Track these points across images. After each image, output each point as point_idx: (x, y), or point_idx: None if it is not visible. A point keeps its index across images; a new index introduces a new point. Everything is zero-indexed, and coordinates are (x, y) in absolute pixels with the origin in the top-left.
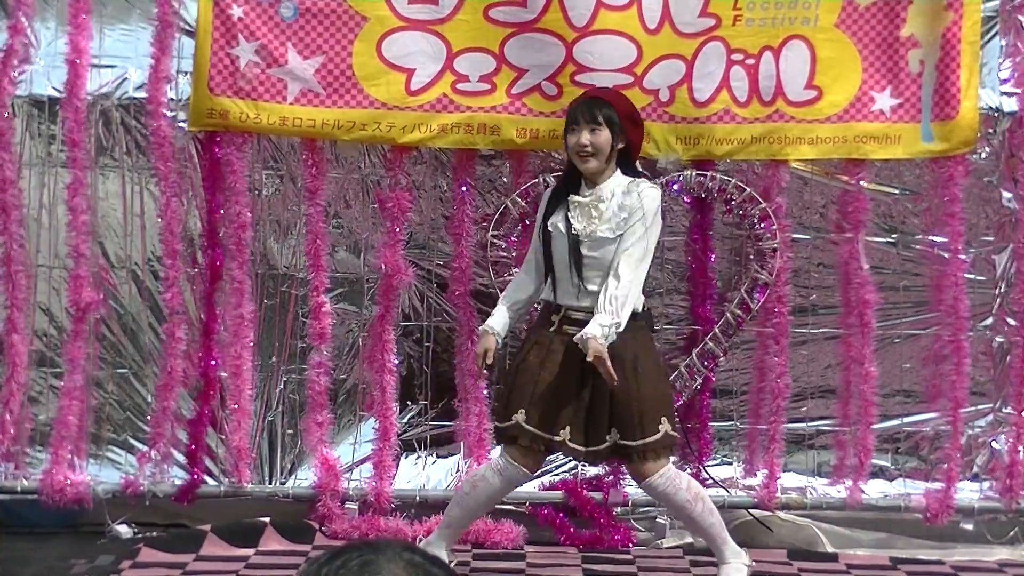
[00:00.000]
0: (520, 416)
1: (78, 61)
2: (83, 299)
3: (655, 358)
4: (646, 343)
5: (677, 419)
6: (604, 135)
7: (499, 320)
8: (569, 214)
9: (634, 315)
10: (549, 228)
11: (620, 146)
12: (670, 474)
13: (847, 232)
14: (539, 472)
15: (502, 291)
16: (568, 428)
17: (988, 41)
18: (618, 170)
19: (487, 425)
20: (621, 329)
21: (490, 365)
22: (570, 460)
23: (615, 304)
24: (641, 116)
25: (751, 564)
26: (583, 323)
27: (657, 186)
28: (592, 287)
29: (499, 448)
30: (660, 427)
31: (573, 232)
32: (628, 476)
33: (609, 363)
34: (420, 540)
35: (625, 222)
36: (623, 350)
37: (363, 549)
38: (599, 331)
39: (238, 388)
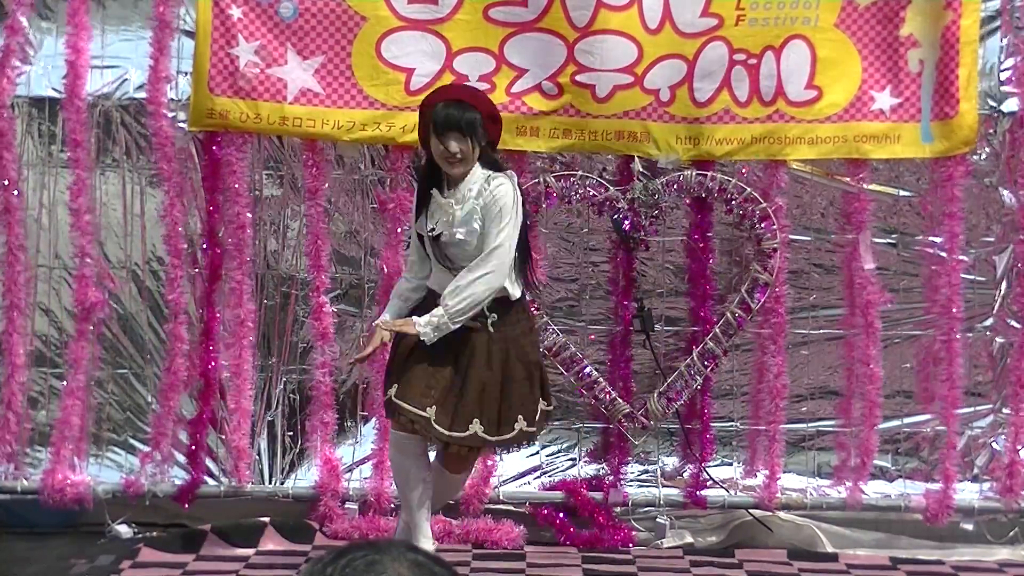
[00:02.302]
0: (392, 391)
1: (77, 61)
2: (88, 299)
3: (528, 349)
4: (525, 331)
5: (543, 409)
6: (471, 141)
7: (392, 313)
8: (429, 216)
9: (510, 303)
10: (418, 231)
11: (482, 145)
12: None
13: (849, 233)
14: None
15: None
16: (395, 387)
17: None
18: (478, 164)
19: None
20: (454, 327)
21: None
22: (569, 460)
23: (454, 299)
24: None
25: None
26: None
27: (509, 177)
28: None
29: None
30: (516, 425)
31: (432, 233)
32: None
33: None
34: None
35: (482, 224)
36: (498, 340)
37: (367, 549)
38: (426, 323)
39: (238, 388)
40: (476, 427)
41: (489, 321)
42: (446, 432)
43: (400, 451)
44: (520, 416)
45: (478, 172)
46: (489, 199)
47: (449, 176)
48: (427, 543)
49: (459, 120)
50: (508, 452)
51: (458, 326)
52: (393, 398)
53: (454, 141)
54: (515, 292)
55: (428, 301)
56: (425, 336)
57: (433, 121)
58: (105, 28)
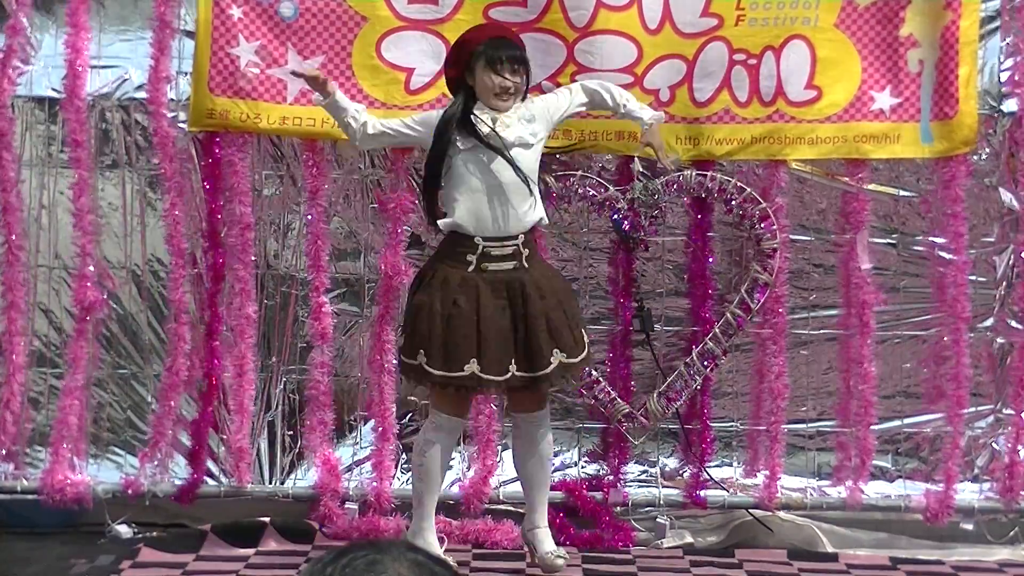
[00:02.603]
0: (422, 358)
1: (77, 61)
2: (87, 299)
3: (554, 271)
4: (543, 260)
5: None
6: (522, 77)
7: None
8: (495, 127)
9: (535, 235)
10: (465, 153)
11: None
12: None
13: (848, 233)
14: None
15: None
16: (479, 363)
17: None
18: None
19: (496, 426)
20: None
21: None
22: (570, 460)
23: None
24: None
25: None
26: (505, 258)
27: None
28: (523, 207)
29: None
30: (585, 341)
31: (507, 142)
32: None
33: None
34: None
35: (545, 112)
36: (535, 274)
37: (368, 549)
38: (652, 114)
39: (240, 388)
40: (559, 357)
41: (524, 256)
42: (533, 375)
43: (446, 433)
44: (583, 331)
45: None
46: (539, 101)
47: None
48: (432, 535)
49: (515, 55)
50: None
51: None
52: (481, 375)
53: (508, 74)
54: (545, 215)
55: (456, 243)
56: (656, 118)
57: (486, 57)
58: (105, 28)
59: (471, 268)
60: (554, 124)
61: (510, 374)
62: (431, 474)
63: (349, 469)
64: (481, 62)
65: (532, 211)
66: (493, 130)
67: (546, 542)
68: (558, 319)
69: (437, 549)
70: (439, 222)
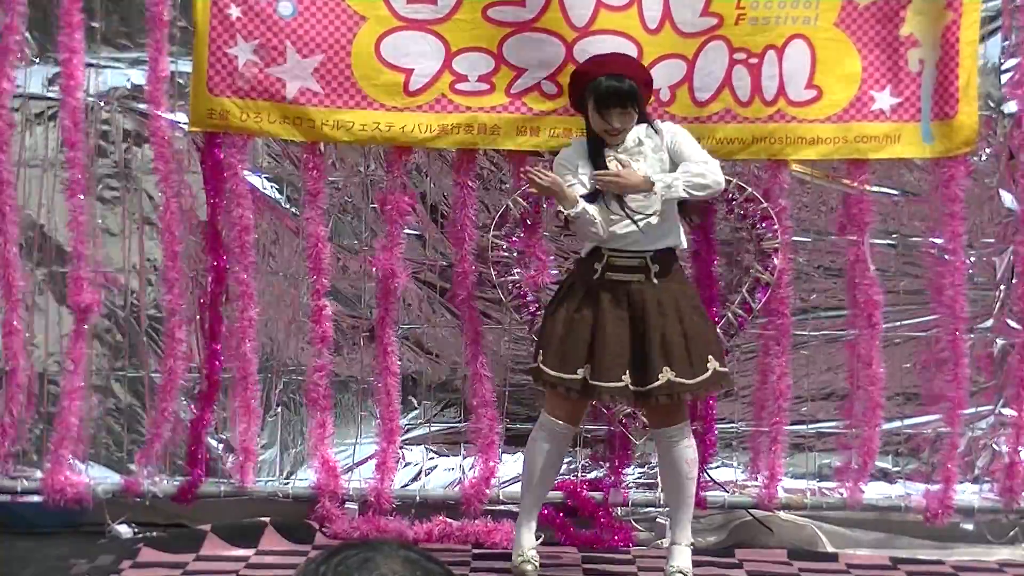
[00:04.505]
0: (540, 358)
1: (72, 61)
2: (83, 299)
3: (695, 299)
4: (685, 284)
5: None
6: (632, 115)
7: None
8: (609, 165)
9: (672, 255)
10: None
11: (640, 112)
12: (689, 426)
13: (851, 234)
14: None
15: (504, 292)
16: (592, 369)
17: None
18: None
19: (498, 428)
20: (682, 193)
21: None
22: (569, 460)
23: (694, 167)
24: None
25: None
26: (629, 268)
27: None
28: (651, 232)
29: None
30: (708, 366)
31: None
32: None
33: (615, 179)
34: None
35: (672, 151)
36: (664, 291)
37: (361, 547)
38: (660, 179)
39: (244, 390)
40: (668, 375)
41: (652, 272)
42: (642, 389)
43: (550, 437)
44: (710, 356)
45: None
46: (670, 137)
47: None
48: (530, 536)
49: (620, 94)
50: (709, 397)
51: (684, 195)
52: (589, 380)
53: (616, 116)
54: (682, 241)
55: (590, 256)
56: (661, 188)
57: (595, 96)
58: (104, 28)
59: (596, 276)
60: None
61: (623, 384)
62: (532, 475)
63: (349, 470)
64: (591, 100)
65: (667, 237)
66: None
67: (675, 558)
68: (673, 337)
69: (528, 546)
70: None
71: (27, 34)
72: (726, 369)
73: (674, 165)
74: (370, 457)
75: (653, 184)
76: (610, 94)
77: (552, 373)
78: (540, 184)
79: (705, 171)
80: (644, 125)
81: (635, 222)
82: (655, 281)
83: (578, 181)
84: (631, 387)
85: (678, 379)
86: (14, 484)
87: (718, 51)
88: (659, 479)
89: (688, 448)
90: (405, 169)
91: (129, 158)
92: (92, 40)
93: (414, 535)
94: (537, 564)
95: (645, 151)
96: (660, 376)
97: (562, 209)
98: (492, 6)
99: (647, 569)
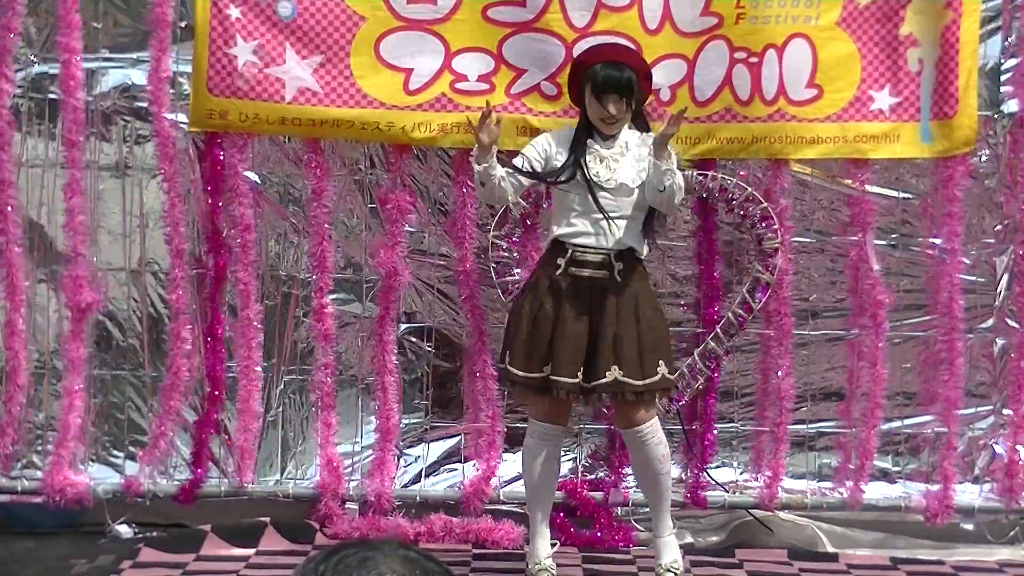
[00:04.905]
0: (508, 360)
1: (71, 61)
2: (83, 299)
3: (655, 302)
4: (647, 287)
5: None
6: (627, 102)
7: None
8: (588, 160)
9: (636, 259)
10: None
11: (637, 104)
12: (658, 423)
13: (853, 235)
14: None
15: (504, 292)
16: (551, 365)
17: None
18: (625, 126)
19: (499, 427)
20: (670, 178)
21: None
22: (570, 460)
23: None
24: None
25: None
26: (593, 264)
27: None
28: (617, 233)
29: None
30: (658, 370)
31: (596, 178)
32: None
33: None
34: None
35: (645, 170)
36: (625, 292)
37: (360, 546)
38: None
39: (245, 389)
40: (615, 373)
41: (616, 269)
42: (587, 385)
43: (541, 438)
44: (661, 361)
45: (627, 131)
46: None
47: (602, 132)
48: (544, 544)
49: (618, 82)
50: (656, 402)
51: (670, 181)
52: (551, 376)
53: (612, 103)
54: (643, 249)
55: (553, 251)
56: (669, 170)
57: (592, 83)
58: (104, 28)
59: (559, 271)
60: None
61: (577, 380)
62: (532, 483)
63: (351, 470)
64: (588, 86)
65: (628, 238)
66: (591, 176)
67: (664, 553)
68: (626, 338)
69: (544, 555)
70: (544, 242)
71: (27, 34)
72: (672, 377)
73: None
74: (370, 457)
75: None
76: (608, 81)
77: (519, 373)
78: (476, 130)
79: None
80: (638, 134)
81: (606, 216)
82: (618, 279)
83: (530, 158)
84: (581, 383)
85: (624, 378)
86: (14, 484)
87: (718, 51)
88: (634, 477)
89: (658, 446)
90: (405, 169)
91: (129, 158)
92: (92, 40)
93: (414, 535)
94: (554, 572)
95: (628, 155)
96: (607, 374)
97: (473, 158)
98: (492, 6)
99: (647, 569)
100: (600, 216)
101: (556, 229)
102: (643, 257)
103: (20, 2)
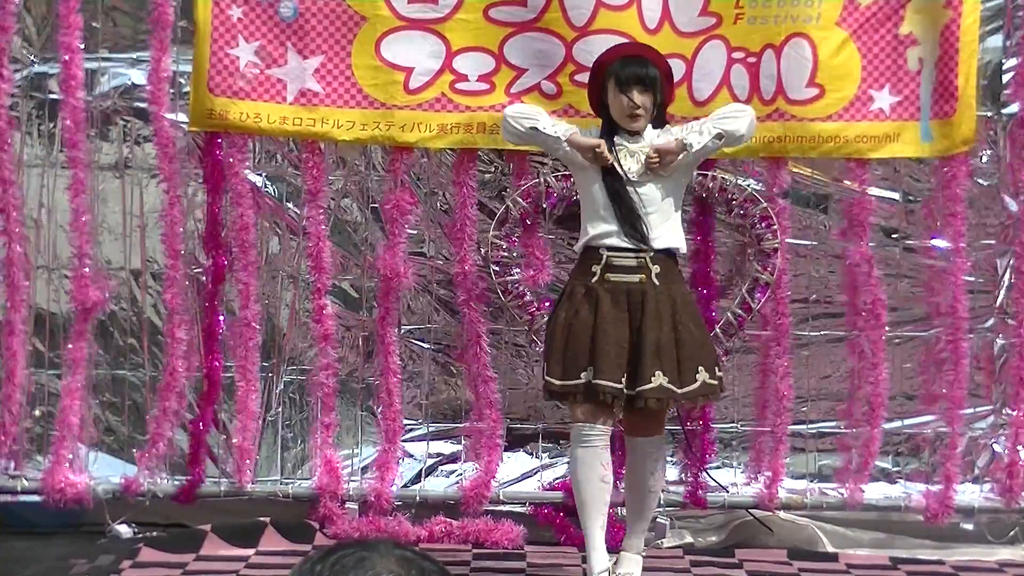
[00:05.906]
0: (545, 371)
1: (72, 61)
2: (88, 299)
3: (693, 307)
4: (684, 289)
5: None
6: (652, 95)
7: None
8: (619, 156)
9: (673, 259)
10: (601, 179)
11: (661, 101)
12: (665, 441)
13: (853, 235)
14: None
15: (504, 292)
16: (592, 370)
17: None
18: (649, 124)
19: (500, 429)
20: (713, 135)
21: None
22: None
23: (725, 110)
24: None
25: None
26: (629, 269)
27: None
28: (652, 232)
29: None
30: (697, 376)
31: (629, 175)
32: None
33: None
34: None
35: (689, 131)
36: (664, 295)
37: (357, 546)
38: (688, 134)
39: (244, 389)
40: (660, 379)
41: (653, 273)
42: (631, 391)
43: (589, 446)
44: (700, 367)
45: (650, 131)
46: (678, 131)
47: (626, 131)
48: (601, 557)
49: (643, 75)
50: (695, 408)
51: (715, 141)
52: (593, 381)
53: (637, 94)
54: (682, 245)
55: (587, 258)
56: (694, 140)
57: (615, 77)
58: (104, 28)
59: (594, 279)
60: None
61: (621, 386)
62: (582, 492)
63: (351, 470)
64: (611, 82)
65: (666, 236)
66: (621, 167)
67: (623, 563)
68: (667, 344)
69: (600, 568)
70: (575, 246)
71: (27, 34)
72: (715, 382)
73: (684, 167)
74: (370, 458)
75: (686, 146)
76: (632, 74)
77: (556, 382)
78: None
79: (736, 112)
80: (657, 131)
81: (641, 212)
82: (656, 282)
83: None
84: (624, 390)
85: (668, 385)
86: (14, 484)
87: (717, 50)
88: (624, 483)
89: (659, 462)
90: (405, 168)
91: (130, 158)
92: (92, 40)
93: (414, 535)
94: None
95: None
96: (652, 379)
97: (558, 136)
98: (493, 6)
99: (647, 569)
100: (635, 214)
101: (590, 230)
102: (683, 254)
103: (13, 1)
